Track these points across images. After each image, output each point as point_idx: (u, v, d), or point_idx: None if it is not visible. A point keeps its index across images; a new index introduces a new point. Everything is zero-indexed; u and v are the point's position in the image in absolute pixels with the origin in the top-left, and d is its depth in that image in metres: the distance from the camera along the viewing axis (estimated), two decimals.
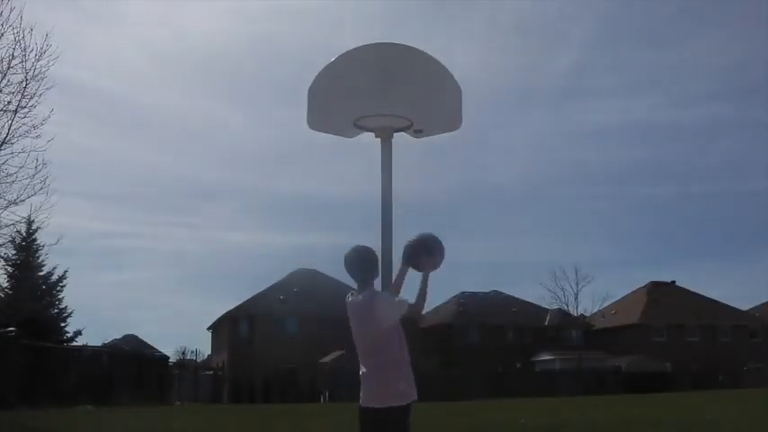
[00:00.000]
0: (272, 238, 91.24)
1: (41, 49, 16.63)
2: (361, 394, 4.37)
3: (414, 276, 4.50)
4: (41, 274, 35.73)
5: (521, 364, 55.99)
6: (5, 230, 18.56)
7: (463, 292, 63.54)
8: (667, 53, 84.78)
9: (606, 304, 60.34)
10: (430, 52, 5.57)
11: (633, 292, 64.51)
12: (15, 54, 16.45)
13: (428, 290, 4.40)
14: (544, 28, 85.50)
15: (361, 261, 4.40)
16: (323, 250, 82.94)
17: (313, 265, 54.66)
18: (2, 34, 16.42)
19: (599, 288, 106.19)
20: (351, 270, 4.41)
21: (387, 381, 4.25)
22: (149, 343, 64.37)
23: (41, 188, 17.06)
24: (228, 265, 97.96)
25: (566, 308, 57.81)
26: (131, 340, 63.01)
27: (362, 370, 4.38)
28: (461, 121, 5.74)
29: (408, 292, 4.46)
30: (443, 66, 5.62)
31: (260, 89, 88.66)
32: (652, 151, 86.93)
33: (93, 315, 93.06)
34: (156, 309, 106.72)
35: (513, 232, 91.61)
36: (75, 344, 34.89)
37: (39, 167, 16.97)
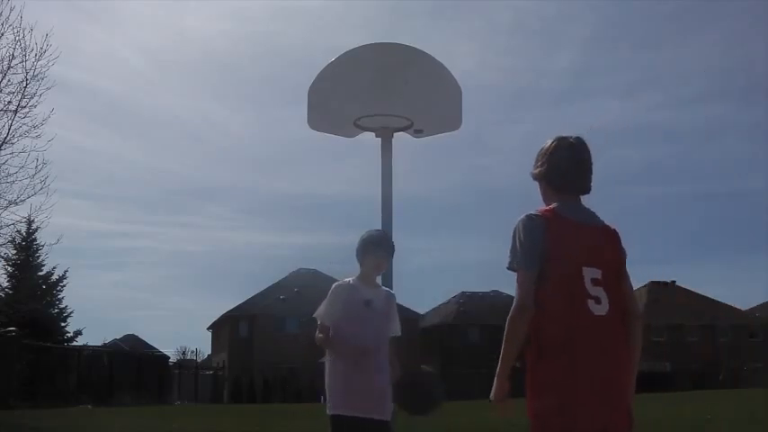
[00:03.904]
0: (272, 238, 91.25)
1: (41, 49, 16.69)
2: (365, 404, 3.97)
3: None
4: (41, 274, 35.66)
5: (521, 364, 55.93)
6: (5, 230, 18.60)
7: (463, 292, 63.52)
8: (666, 53, 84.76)
9: None
10: (430, 52, 5.58)
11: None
12: (15, 54, 16.52)
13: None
14: (544, 28, 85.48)
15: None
16: (323, 250, 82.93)
17: (313, 265, 54.76)
18: (2, 34, 16.47)
19: None
20: (390, 250, 4.29)
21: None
22: (149, 343, 64.31)
23: (41, 188, 17.12)
24: (228, 265, 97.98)
25: None
26: (131, 340, 62.90)
27: (378, 374, 4.01)
28: (461, 121, 5.75)
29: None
30: (443, 66, 5.63)
31: (260, 89, 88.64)
32: (651, 151, 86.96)
33: (93, 315, 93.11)
34: (156, 309, 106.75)
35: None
36: (75, 344, 34.82)
37: (39, 167, 17.02)
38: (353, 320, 4.05)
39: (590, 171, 3.10)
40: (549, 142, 3.09)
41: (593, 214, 3.06)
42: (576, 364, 2.77)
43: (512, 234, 2.95)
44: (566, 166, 3.04)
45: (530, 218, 2.94)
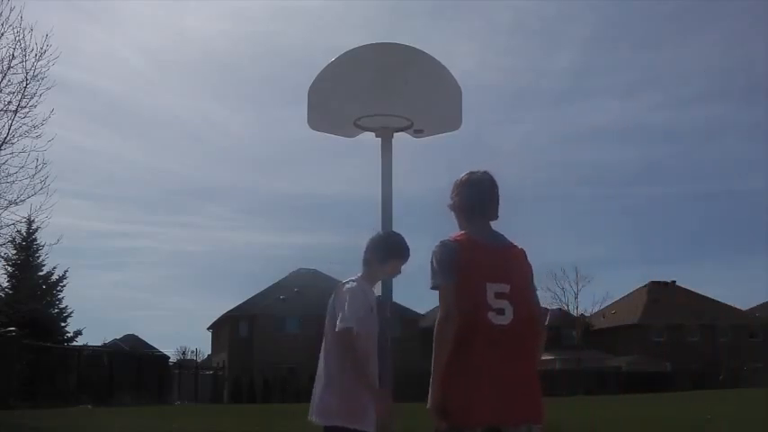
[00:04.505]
0: (272, 238, 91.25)
1: (41, 49, 16.70)
2: (359, 416, 3.86)
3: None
4: (41, 274, 35.66)
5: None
6: (5, 230, 18.62)
7: None
8: (666, 53, 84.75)
9: (606, 304, 60.37)
10: (430, 52, 5.57)
11: (633, 292, 64.50)
12: (15, 54, 16.53)
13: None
14: (544, 28, 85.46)
15: None
16: (323, 250, 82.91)
17: (313, 265, 54.72)
18: (2, 34, 16.48)
19: (599, 288, 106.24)
20: (408, 258, 4.14)
21: None
22: (149, 343, 64.29)
23: (41, 188, 17.13)
24: (228, 265, 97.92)
25: (566, 308, 57.83)
26: (131, 340, 62.88)
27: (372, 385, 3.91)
28: (461, 121, 5.74)
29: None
30: (443, 66, 5.62)
31: (260, 89, 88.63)
32: (651, 151, 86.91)
33: (93, 315, 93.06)
34: (156, 309, 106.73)
35: (513, 233, 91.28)
36: (75, 344, 34.83)
37: (39, 167, 17.03)
38: (363, 327, 3.88)
39: (497, 201, 3.47)
40: (461, 176, 3.49)
41: (501, 237, 3.44)
42: (471, 366, 3.11)
43: (430, 259, 3.28)
44: (475, 198, 3.42)
45: (443, 243, 3.29)
